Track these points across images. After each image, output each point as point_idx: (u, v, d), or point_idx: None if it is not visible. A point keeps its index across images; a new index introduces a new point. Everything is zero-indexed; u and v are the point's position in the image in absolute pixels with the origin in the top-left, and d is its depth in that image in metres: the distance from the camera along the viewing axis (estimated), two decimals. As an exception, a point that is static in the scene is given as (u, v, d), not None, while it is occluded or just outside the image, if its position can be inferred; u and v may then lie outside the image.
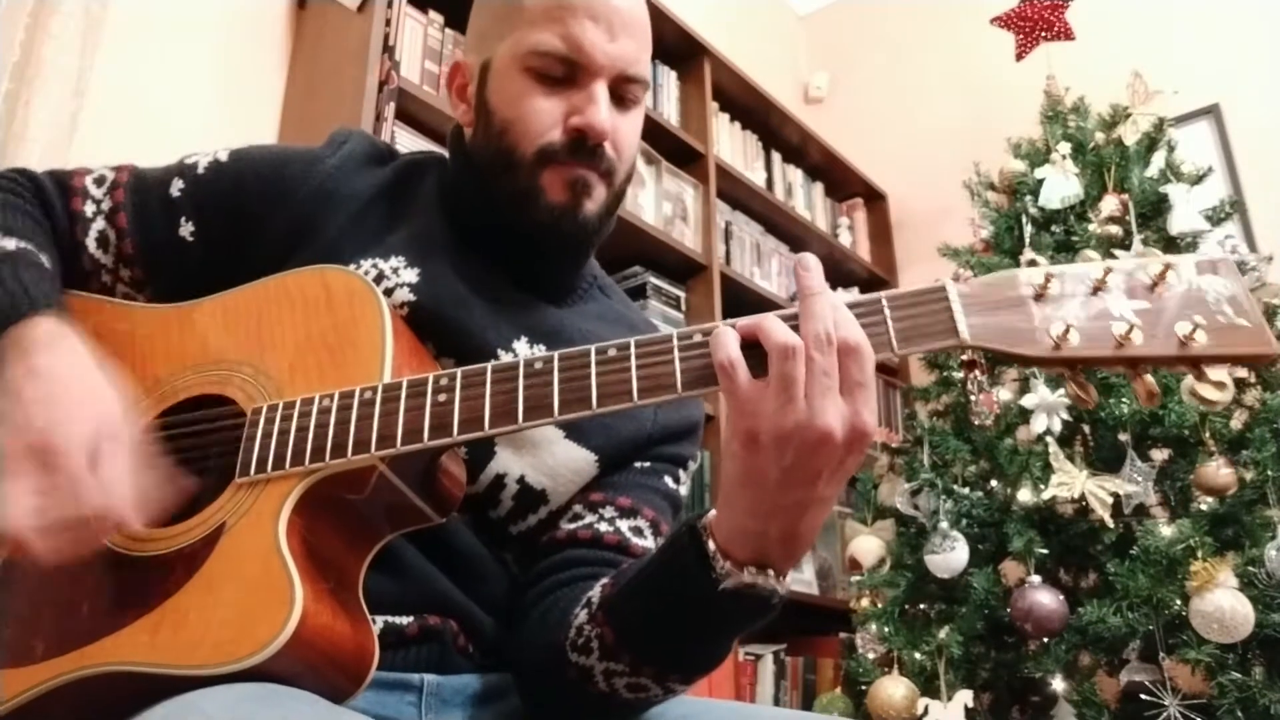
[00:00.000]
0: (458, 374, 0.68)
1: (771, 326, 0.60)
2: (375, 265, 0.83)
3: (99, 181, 0.89)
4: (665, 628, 0.69)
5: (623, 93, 0.86)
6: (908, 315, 0.63)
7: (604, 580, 0.75)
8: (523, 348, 0.85)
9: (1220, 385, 0.61)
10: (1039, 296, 0.62)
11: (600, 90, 0.83)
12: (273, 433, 0.69)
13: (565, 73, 0.83)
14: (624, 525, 0.85)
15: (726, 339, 0.61)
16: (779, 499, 0.60)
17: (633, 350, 0.65)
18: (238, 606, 0.62)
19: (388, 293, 0.81)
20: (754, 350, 0.61)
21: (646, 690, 0.72)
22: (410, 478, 0.72)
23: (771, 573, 0.63)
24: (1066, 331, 0.60)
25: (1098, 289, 0.62)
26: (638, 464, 0.88)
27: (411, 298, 0.82)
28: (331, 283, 0.78)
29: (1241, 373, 1.78)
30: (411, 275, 0.83)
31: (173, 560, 0.66)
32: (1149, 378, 0.62)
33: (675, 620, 0.67)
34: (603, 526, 0.84)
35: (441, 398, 0.67)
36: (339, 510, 0.70)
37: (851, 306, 0.62)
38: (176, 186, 0.88)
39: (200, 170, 0.89)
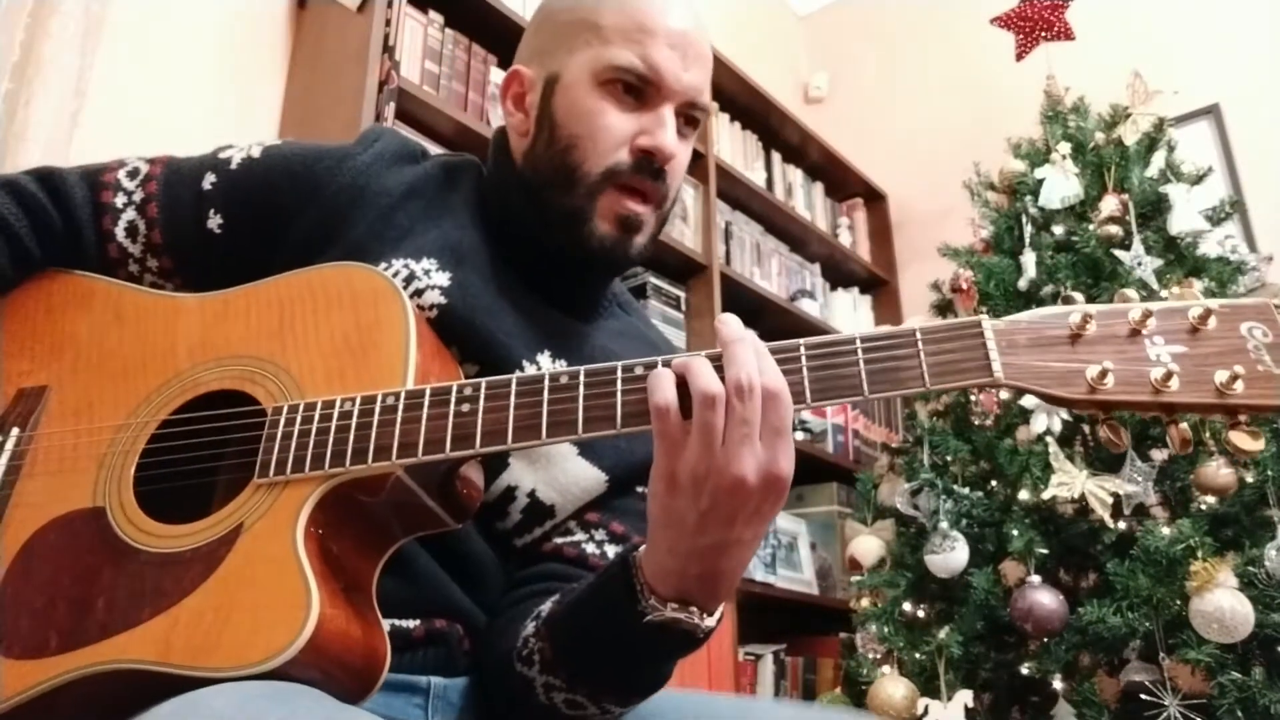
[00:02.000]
0: (482, 384, 0.68)
1: (698, 371, 0.61)
2: (406, 265, 0.83)
3: (132, 174, 0.91)
4: (596, 652, 0.70)
5: (688, 118, 0.88)
6: (942, 350, 0.62)
7: (555, 596, 0.76)
8: (546, 361, 0.85)
9: (1255, 434, 0.59)
10: (1076, 337, 0.61)
11: (670, 114, 0.85)
12: (293, 434, 0.69)
13: (639, 93, 0.85)
14: (611, 550, 0.85)
15: (665, 382, 0.62)
16: (696, 540, 0.62)
17: (660, 366, 0.65)
18: (254, 610, 0.62)
19: (418, 293, 0.82)
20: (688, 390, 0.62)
21: (583, 708, 0.73)
22: (429, 485, 0.71)
23: (695, 609, 0.65)
24: (1103, 375, 0.60)
25: (1136, 331, 0.61)
26: (640, 489, 0.88)
27: (443, 300, 0.82)
28: (357, 281, 0.77)
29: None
30: (443, 279, 0.83)
31: (189, 558, 0.66)
32: (1184, 425, 0.61)
33: (605, 646, 0.70)
34: (590, 548, 0.85)
35: (465, 408, 0.67)
36: (356, 515, 0.70)
37: (885, 339, 0.63)
38: (209, 180, 0.89)
39: (233, 166, 0.89)
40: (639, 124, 0.84)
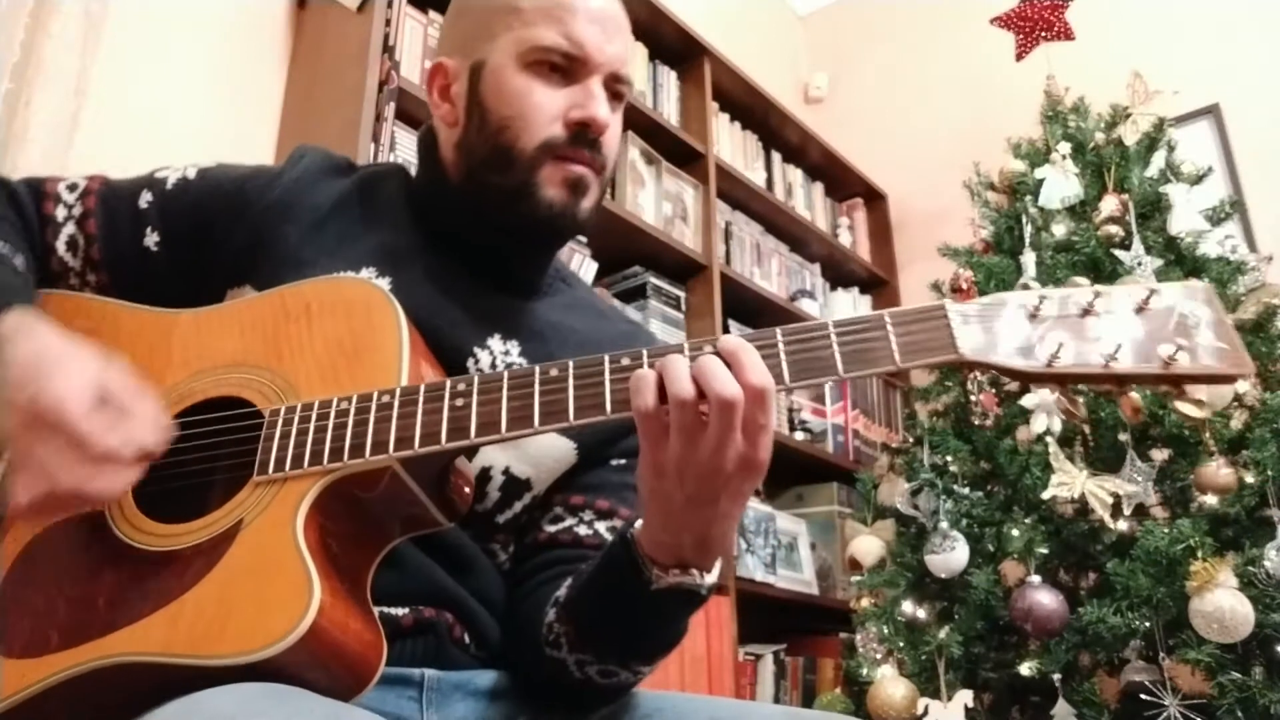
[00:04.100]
0: (474, 379, 0.71)
1: (673, 376, 0.64)
2: (347, 275, 0.85)
3: (72, 188, 0.92)
4: (615, 623, 0.76)
5: (614, 91, 0.90)
6: (910, 331, 0.67)
7: (568, 581, 0.81)
8: (497, 343, 0.88)
9: (1199, 403, 0.65)
10: (1033, 317, 0.67)
11: (598, 86, 0.87)
12: (291, 433, 0.71)
13: (565, 71, 0.87)
14: (602, 527, 0.90)
15: (645, 384, 0.65)
16: (685, 518, 0.68)
17: (645, 358, 0.68)
18: (255, 599, 0.63)
19: None
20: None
21: (616, 675, 0.79)
22: (425, 481, 0.73)
23: (694, 571, 0.71)
24: (1058, 350, 0.65)
25: (1087, 312, 0.66)
26: (614, 461, 0.92)
27: None
28: (348, 290, 0.80)
29: (1226, 389, 1.79)
30: (384, 284, 0.85)
31: (190, 555, 0.67)
32: (1134, 394, 0.66)
33: (622, 616, 0.75)
34: (582, 530, 0.89)
35: (459, 402, 0.70)
36: (353, 511, 0.71)
37: (856, 323, 0.67)
38: (145, 199, 0.91)
39: (169, 186, 0.92)
40: (569, 98, 0.86)
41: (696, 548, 0.70)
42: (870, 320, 0.67)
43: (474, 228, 0.91)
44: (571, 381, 0.69)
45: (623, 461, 0.92)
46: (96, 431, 0.66)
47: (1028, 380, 0.68)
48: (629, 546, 0.72)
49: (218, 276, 0.87)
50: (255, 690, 0.57)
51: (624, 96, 0.91)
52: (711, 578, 0.72)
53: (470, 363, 0.86)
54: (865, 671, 2.03)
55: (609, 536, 0.88)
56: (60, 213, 0.90)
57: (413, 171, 0.99)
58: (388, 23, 2.00)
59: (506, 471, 0.86)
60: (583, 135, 0.86)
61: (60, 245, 0.90)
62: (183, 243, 0.90)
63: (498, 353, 0.88)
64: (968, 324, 0.67)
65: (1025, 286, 0.64)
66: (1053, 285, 2.07)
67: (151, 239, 0.90)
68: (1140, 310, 0.66)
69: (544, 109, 0.86)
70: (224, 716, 0.54)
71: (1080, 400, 0.69)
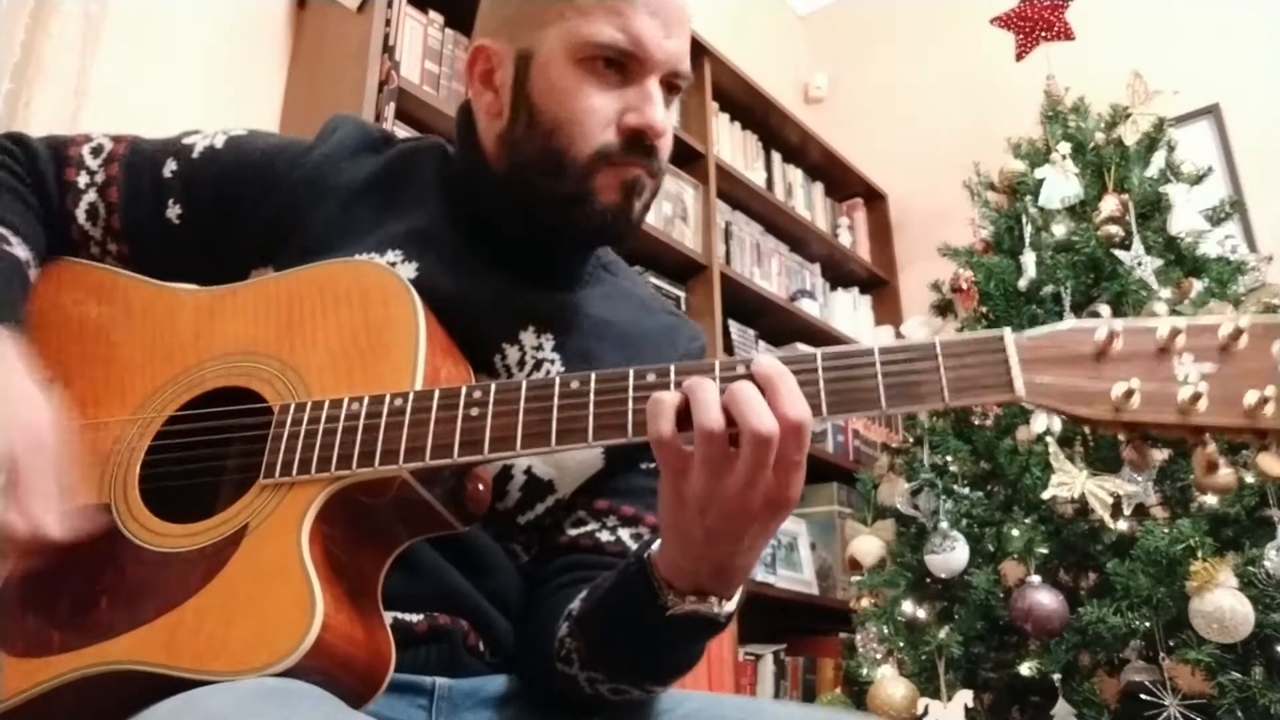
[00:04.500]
0: (491, 387, 0.67)
1: (702, 403, 0.59)
2: (371, 260, 0.81)
3: (96, 152, 0.88)
4: (628, 645, 0.72)
5: (670, 85, 0.83)
6: (963, 364, 0.61)
7: (581, 594, 0.77)
8: (529, 338, 0.83)
9: None
10: (1101, 355, 0.59)
11: (656, 87, 0.81)
12: (299, 434, 0.69)
13: (621, 67, 0.80)
14: (625, 534, 0.86)
15: (664, 410, 0.60)
16: (705, 550, 0.63)
17: (672, 375, 0.64)
18: (258, 613, 0.62)
19: None
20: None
21: (627, 693, 0.76)
22: (437, 489, 0.71)
23: (713, 599, 0.66)
24: (1129, 395, 0.58)
25: (1164, 349, 0.59)
26: (643, 465, 0.88)
27: None
28: (366, 278, 0.76)
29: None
30: (409, 270, 0.81)
31: (194, 558, 0.66)
32: (1211, 448, 0.59)
33: (635, 639, 0.71)
34: (604, 536, 0.85)
35: (474, 412, 0.66)
36: (362, 517, 0.70)
37: (904, 351, 0.61)
38: (169, 167, 0.87)
39: (195, 155, 0.88)
40: (624, 101, 0.80)
41: (715, 576, 0.65)
42: (920, 350, 0.61)
43: (515, 221, 0.85)
44: (592, 398, 0.64)
45: (652, 465, 0.88)
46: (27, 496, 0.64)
47: (1091, 425, 0.60)
48: (645, 567, 0.67)
49: (241, 253, 0.83)
50: (251, 689, 0.56)
51: (681, 89, 0.85)
52: (731, 605, 0.67)
53: (497, 358, 0.82)
54: (865, 671, 2.03)
55: (632, 544, 0.85)
56: (82, 179, 0.86)
57: (450, 150, 0.92)
58: (388, 23, 2.00)
59: (528, 472, 0.82)
60: (638, 141, 0.80)
61: (80, 213, 0.86)
62: (206, 216, 0.85)
63: (529, 347, 0.83)
64: (1027, 359, 0.60)
65: (1095, 313, 0.56)
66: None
67: (174, 211, 0.86)
68: (1224, 349, 0.58)
69: (598, 113, 0.79)
70: (218, 716, 0.53)
71: (1149, 450, 0.63)
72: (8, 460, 0.65)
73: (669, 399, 0.60)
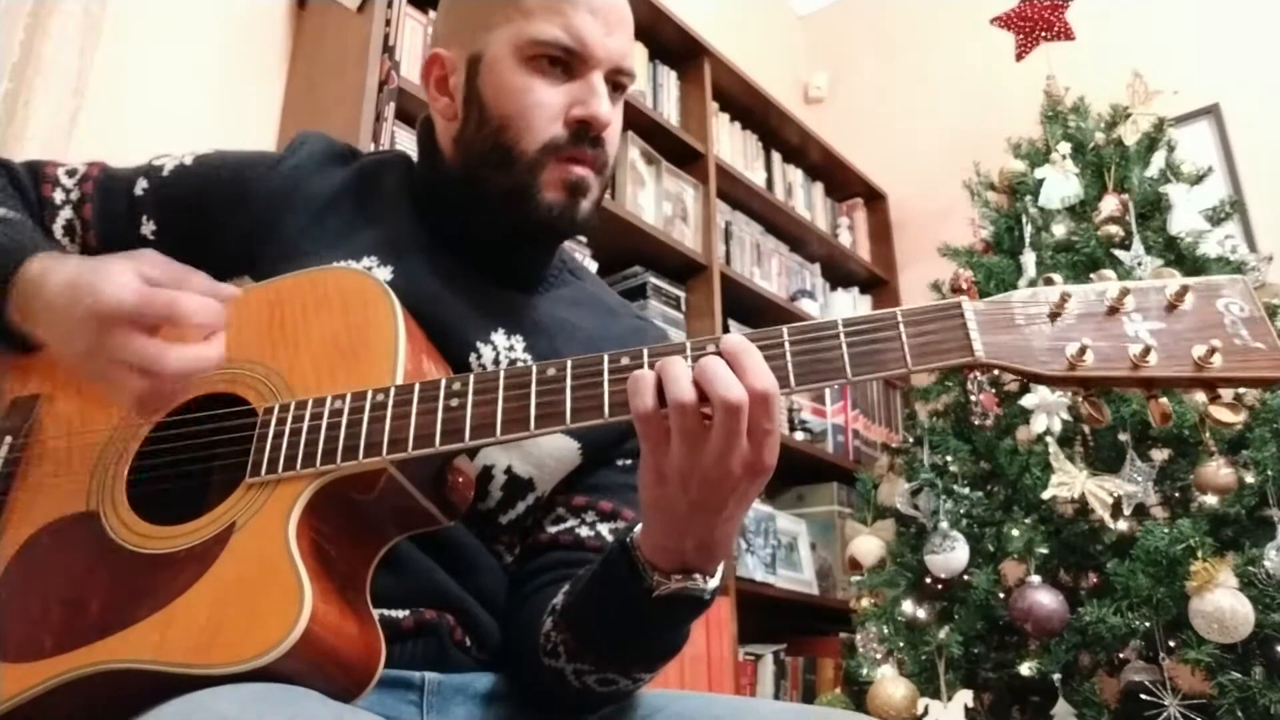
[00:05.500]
0: (470, 378, 0.69)
1: (672, 378, 0.62)
2: (347, 265, 0.84)
3: (70, 173, 0.92)
4: (615, 631, 0.74)
5: (615, 83, 0.88)
6: (923, 331, 0.63)
7: (565, 588, 0.79)
8: (500, 339, 0.86)
9: (1235, 407, 0.60)
10: (1055, 315, 0.62)
11: (600, 82, 0.85)
12: (284, 433, 0.70)
13: (565, 65, 0.85)
14: (604, 529, 0.88)
15: (644, 386, 0.63)
16: (689, 524, 0.66)
17: (645, 358, 0.66)
18: (247, 606, 0.62)
19: None
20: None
21: (615, 683, 0.77)
22: (420, 481, 0.72)
23: (697, 575, 0.69)
24: (1082, 351, 0.60)
25: (1114, 309, 0.62)
26: (619, 462, 0.91)
27: None
28: (345, 283, 0.78)
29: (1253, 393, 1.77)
30: (385, 274, 0.84)
31: (182, 558, 0.67)
32: (1164, 399, 0.61)
33: (622, 624, 0.73)
34: (584, 531, 0.87)
35: (454, 403, 0.68)
36: (348, 512, 0.70)
37: (867, 322, 0.64)
38: (141, 186, 0.90)
39: (165, 173, 0.91)
40: (570, 95, 0.84)
41: (699, 551, 0.68)
42: (881, 319, 0.64)
43: (474, 222, 0.89)
44: (569, 382, 0.67)
45: (628, 462, 0.91)
46: (156, 302, 0.66)
47: (1048, 383, 0.63)
48: (628, 552, 0.70)
49: (218, 265, 0.84)
50: (257, 690, 0.57)
51: (626, 87, 0.89)
52: (715, 581, 0.70)
53: (473, 358, 0.85)
54: (865, 671, 2.03)
55: (611, 539, 0.87)
56: (58, 196, 0.90)
57: (414, 161, 0.97)
58: (388, 23, 2.00)
59: (509, 471, 0.84)
60: (584, 133, 0.84)
61: (57, 229, 0.89)
62: (180, 232, 0.88)
63: (501, 348, 0.86)
64: (984, 323, 0.62)
65: (1049, 280, 0.58)
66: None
67: (148, 228, 0.89)
68: (1171, 308, 0.61)
69: (545, 107, 0.84)
70: (225, 718, 0.53)
71: (1104, 405, 0.65)
72: (145, 275, 0.67)
73: (648, 375, 0.63)
